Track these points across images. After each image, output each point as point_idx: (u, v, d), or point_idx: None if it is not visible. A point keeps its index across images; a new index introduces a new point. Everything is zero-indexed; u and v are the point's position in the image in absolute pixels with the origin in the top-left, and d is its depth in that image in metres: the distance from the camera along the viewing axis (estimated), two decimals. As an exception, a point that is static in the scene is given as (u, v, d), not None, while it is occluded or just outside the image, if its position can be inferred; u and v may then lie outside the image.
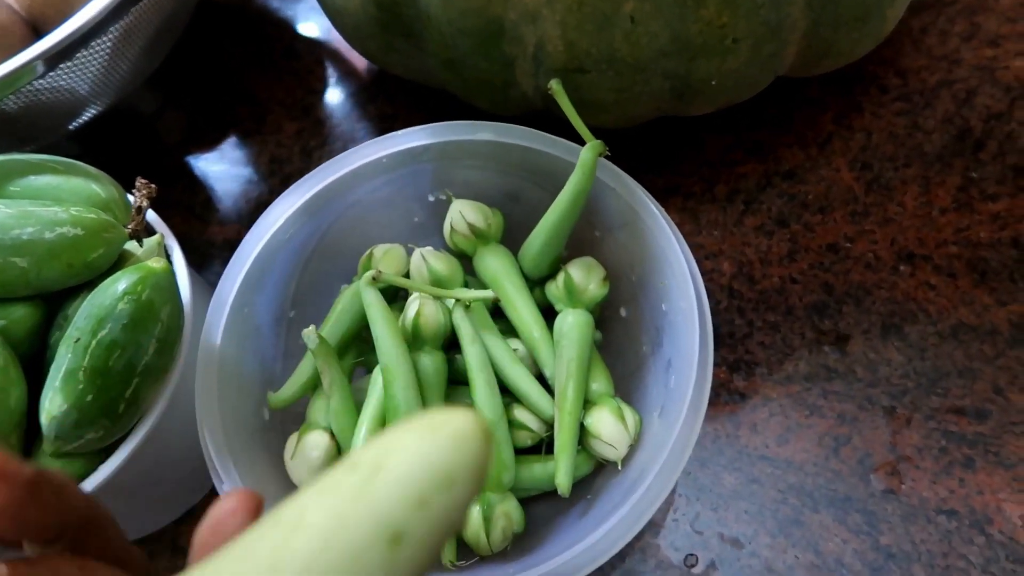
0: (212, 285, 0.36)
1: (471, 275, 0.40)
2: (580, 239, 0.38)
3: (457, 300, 0.36)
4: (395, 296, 0.40)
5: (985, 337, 0.40)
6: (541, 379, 0.36)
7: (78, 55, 0.39)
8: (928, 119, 0.47)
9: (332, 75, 0.56)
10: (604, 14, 0.35)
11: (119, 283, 0.31)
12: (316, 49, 0.58)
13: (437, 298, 0.36)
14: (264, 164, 0.53)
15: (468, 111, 0.44)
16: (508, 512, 0.34)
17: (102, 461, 0.32)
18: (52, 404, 0.30)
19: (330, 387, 0.35)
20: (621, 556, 0.38)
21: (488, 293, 0.36)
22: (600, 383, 0.36)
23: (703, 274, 0.35)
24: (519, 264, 0.38)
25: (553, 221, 0.36)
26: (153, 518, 0.41)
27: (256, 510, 0.16)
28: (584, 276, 0.37)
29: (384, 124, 0.53)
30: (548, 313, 0.38)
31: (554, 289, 0.38)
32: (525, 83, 0.40)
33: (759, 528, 0.38)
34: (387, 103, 0.54)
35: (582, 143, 0.34)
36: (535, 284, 0.39)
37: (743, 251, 0.45)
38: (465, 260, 0.39)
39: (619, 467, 0.34)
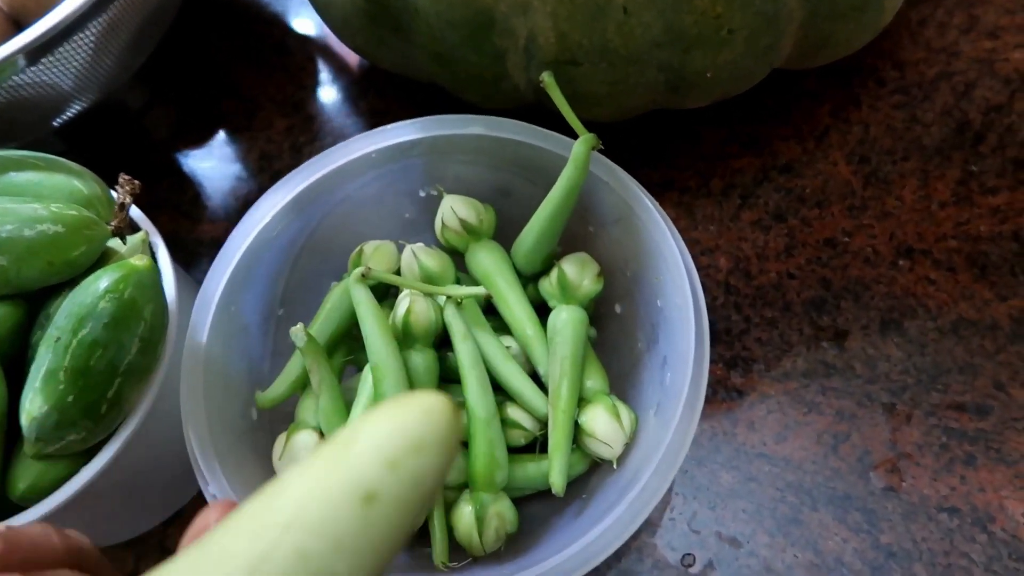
0: (200, 284, 0.35)
1: (463, 272, 0.39)
2: (573, 234, 0.38)
3: (449, 297, 0.35)
4: (386, 293, 0.39)
5: (986, 332, 0.40)
6: (535, 377, 0.36)
7: (60, 49, 0.38)
8: (927, 112, 0.47)
9: (323, 71, 0.56)
10: (596, 4, 0.34)
11: (101, 281, 0.31)
12: (306, 45, 0.57)
13: (428, 295, 0.35)
14: (253, 161, 0.52)
15: (459, 106, 0.43)
16: (501, 512, 0.33)
17: (85, 463, 0.32)
18: (32, 405, 0.30)
19: (319, 386, 0.34)
20: (617, 556, 0.37)
21: (480, 290, 0.35)
22: (595, 380, 0.35)
23: (699, 270, 0.35)
24: (512, 260, 0.38)
25: (546, 216, 0.35)
26: (140, 521, 0.40)
27: None
28: (578, 272, 0.36)
29: (375, 120, 0.53)
30: (541, 310, 0.37)
31: (547, 285, 0.37)
32: (516, 76, 0.39)
33: (757, 527, 0.37)
34: (378, 99, 0.53)
35: (575, 137, 0.34)
36: (528, 280, 0.38)
37: (739, 246, 0.44)
38: (457, 256, 0.39)
39: (614, 466, 0.33)
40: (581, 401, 0.35)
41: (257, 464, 0.34)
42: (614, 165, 0.35)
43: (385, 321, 0.34)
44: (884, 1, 0.39)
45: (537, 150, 0.36)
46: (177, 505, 0.41)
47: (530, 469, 0.34)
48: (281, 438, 0.34)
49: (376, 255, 0.38)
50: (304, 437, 0.34)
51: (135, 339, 0.31)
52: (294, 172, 0.37)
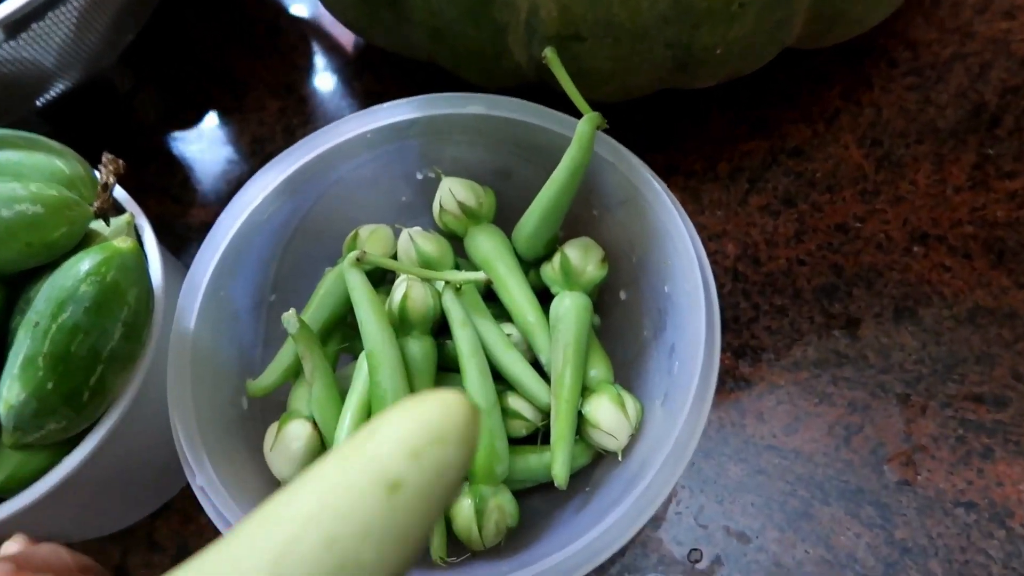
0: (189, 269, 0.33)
1: (462, 257, 0.38)
2: (577, 218, 0.36)
3: (447, 283, 0.34)
4: (381, 279, 0.38)
5: (1003, 321, 0.38)
6: (536, 365, 0.34)
7: (41, 23, 0.37)
8: (941, 94, 0.45)
9: (316, 51, 0.54)
10: (603, -24, 0.32)
11: (82, 263, 0.29)
12: (299, 24, 0.55)
13: (426, 280, 0.34)
14: (245, 144, 0.51)
15: (458, 86, 0.41)
16: (502, 505, 0.32)
17: (67, 453, 0.30)
18: (10, 393, 0.28)
19: (312, 374, 0.33)
20: (621, 551, 0.36)
21: (480, 275, 0.34)
22: (599, 369, 0.34)
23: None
24: (512, 245, 0.36)
25: (548, 199, 0.34)
26: (127, 513, 0.39)
27: None
28: (581, 257, 0.35)
29: (371, 101, 0.51)
30: (543, 296, 0.36)
31: (550, 271, 0.35)
32: (518, 52, 0.38)
33: (767, 522, 0.36)
34: (374, 80, 0.52)
35: (578, 116, 0.32)
36: (529, 266, 0.37)
37: (748, 232, 0.43)
38: (455, 241, 0.37)
39: (619, 458, 0.32)
40: (585, 390, 0.33)
41: (247, 455, 0.33)
42: (619, 145, 0.33)
43: (381, 307, 0.32)
44: (900, -24, 0.37)
45: (539, 130, 0.34)
46: (165, 497, 0.39)
47: (531, 461, 0.33)
48: (273, 428, 0.33)
49: (372, 239, 0.36)
50: (296, 427, 0.33)
51: (118, 324, 0.29)
52: (286, 152, 0.35)
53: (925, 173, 0.43)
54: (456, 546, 0.32)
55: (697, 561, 0.35)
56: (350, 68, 0.53)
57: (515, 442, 0.34)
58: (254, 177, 0.35)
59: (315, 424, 0.33)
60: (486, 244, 0.36)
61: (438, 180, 0.37)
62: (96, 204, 0.33)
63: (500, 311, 0.36)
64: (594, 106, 0.32)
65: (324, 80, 0.53)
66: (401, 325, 0.33)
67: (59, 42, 0.39)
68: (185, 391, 0.31)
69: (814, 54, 0.47)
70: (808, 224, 0.43)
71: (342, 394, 0.34)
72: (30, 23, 0.36)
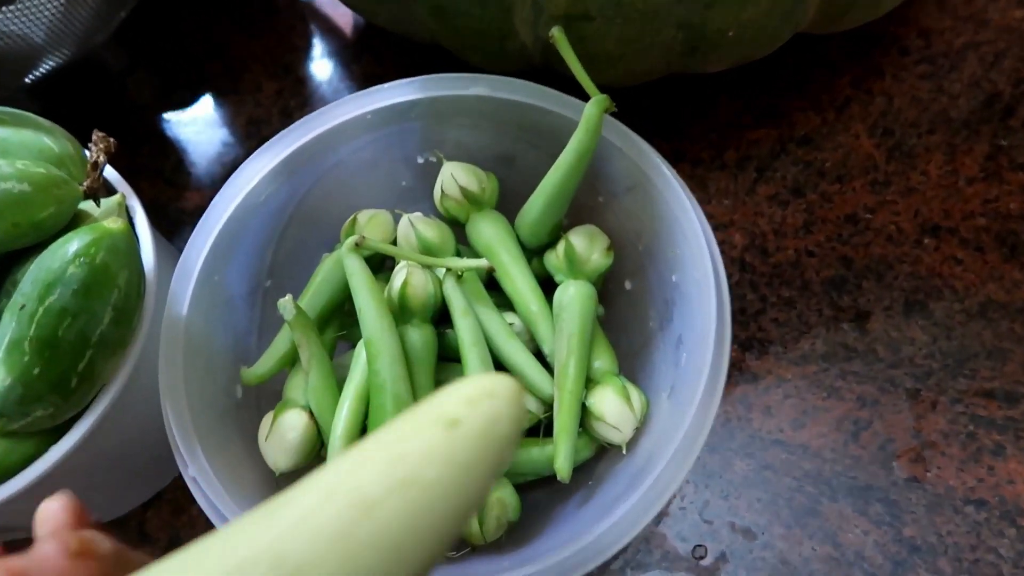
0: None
1: (463, 244, 0.37)
2: (582, 205, 0.35)
3: (448, 270, 0.33)
4: (381, 266, 0.37)
5: (1016, 315, 0.38)
6: (539, 356, 0.34)
7: (30, -4, 0.35)
8: (953, 83, 0.44)
9: (315, 31, 0.53)
10: (613, -47, 0.31)
11: (70, 244, 0.28)
12: (297, 4, 0.54)
13: (426, 267, 0.33)
14: (241, 126, 0.49)
15: (460, 69, 0.40)
16: (502, 499, 0.31)
17: (54, 441, 0.29)
18: (-6, 378, 0.27)
19: (309, 362, 0.32)
20: (624, 546, 0.35)
21: (482, 262, 0.33)
22: (603, 360, 0.33)
23: (714, 246, 0.32)
24: (516, 232, 0.36)
25: (553, 184, 0.33)
26: (118, 502, 0.38)
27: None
28: (586, 245, 0.34)
29: (370, 84, 0.49)
30: (547, 285, 0.35)
31: (554, 259, 0.35)
32: (524, 33, 0.37)
33: (773, 518, 0.35)
34: (374, 62, 0.51)
35: (585, 99, 0.31)
36: (533, 253, 0.36)
37: (756, 222, 0.42)
38: (457, 227, 0.36)
39: (624, 451, 0.32)
40: (588, 382, 0.33)
41: (241, 445, 0.32)
42: (628, 129, 0.32)
43: (380, 294, 0.32)
44: (918, -40, 0.36)
45: (544, 113, 0.33)
46: (157, 487, 0.38)
47: (534, 453, 0.32)
48: (268, 417, 0.32)
49: (371, 225, 0.35)
50: (292, 416, 0.32)
51: (108, 308, 0.28)
52: (283, 133, 0.34)
53: (937, 164, 0.42)
54: (458, 541, 0.31)
55: (702, 558, 0.35)
56: (349, 50, 0.52)
57: (517, 434, 0.33)
58: (250, 159, 0.34)
59: (311, 414, 0.32)
60: (488, 231, 0.35)
61: (439, 164, 0.36)
62: (86, 183, 0.32)
63: (502, 300, 0.35)
64: (599, 90, 0.31)
65: (322, 62, 0.51)
66: (401, 313, 0.32)
67: (49, 16, 0.38)
68: (177, 379, 0.30)
69: (825, 41, 0.46)
70: (817, 215, 0.42)
71: (339, 383, 0.33)
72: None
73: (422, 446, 0.14)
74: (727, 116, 0.45)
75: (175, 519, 0.38)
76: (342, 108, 0.34)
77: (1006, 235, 0.40)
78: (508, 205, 0.36)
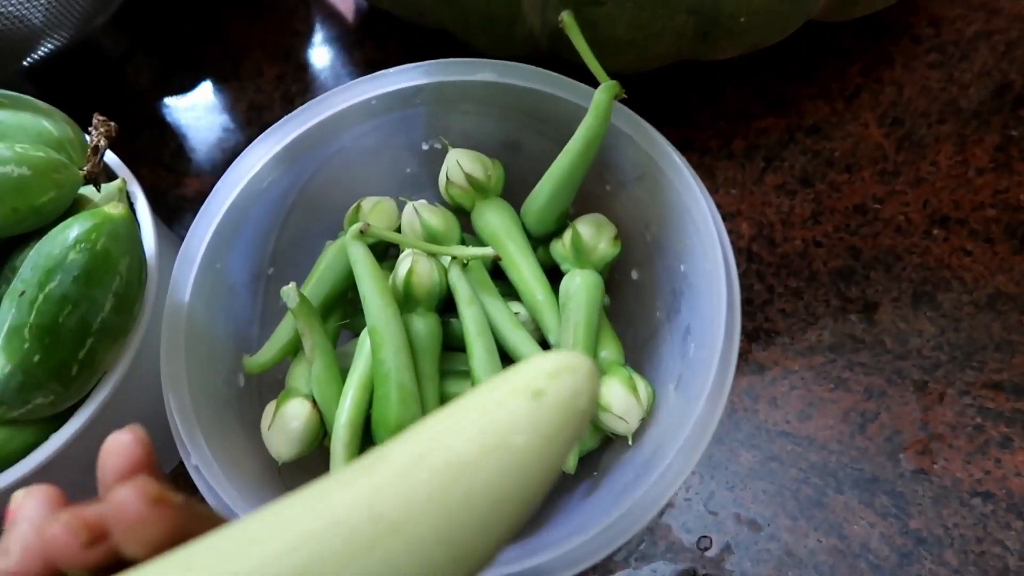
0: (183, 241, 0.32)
1: (468, 232, 0.36)
2: (589, 194, 0.35)
3: (453, 258, 0.32)
4: (385, 254, 0.36)
5: (1025, 307, 0.37)
6: (545, 345, 0.33)
7: (28, -24, 0.35)
8: (964, 72, 0.44)
9: (316, 16, 0.52)
10: (624, -64, 0.31)
11: (71, 230, 0.28)
12: (300, -12, 0.53)
13: (431, 255, 0.32)
14: (241, 111, 0.49)
15: (466, 54, 0.40)
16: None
17: (55, 430, 0.29)
18: (-7, 366, 0.27)
19: (312, 351, 0.31)
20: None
21: (487, 251, 0.32)
22: (609, 351, 0.33)
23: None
24: (522, 220, 0.35)
25: (561, 171, 0.32)
26: (118, 492, 0.37)
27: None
28: (593, 234, 0.33)
29: (373, 69, 0.48)
30: (553, 274, 0.34)
31: (560, 248, 0.34)
32: (531, 18, 0.36)
33: (778, 510, 0.35)
34: (376, 47, 0.50)
35: (594, 85, 0.31)
36: (539, 242, 0.36)
37: (763, 212, 0.42)
38: (462, 215, 0.36)
39: (630, 442, 0.31)
40: (595, 372, 0.32)
41: (243, 434, 0.32)
42: (638, 116, 0.32)
43: (384, 282, 0.31)
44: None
45: (552, 99, 0.33)
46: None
47: (539, 444, 0.32)
48: (270, 406, 0.32)
49: (375, 212, 0.35)
50: (295, 406, 0.31)
51: (109, 295, 0.28)
52: (286, 119, 0.34)
53: (947, 154, 0.42)
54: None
55: (706, 549, 0.35)
56: (351, 35, 0.51)
57: (522, 424, 0.33)
58: (253, 144, 0.33)
59: (315, 403, 0.32)
60: (494, 219, 0.34)
61: (445, 151, 0.35)
62: (86, 168, 0.31)
63: (508, 289, 0.35)
64: (608, 77, 0.30)
65: (324, 47, 0.51)
66: (405, 301, 0.32)
67: (47, -2, 0.37)
68: (179, 367, 0.29)
69: (835, 29, 0.45)
70: (825, 205, 0.41)
71: (343, 372, 0.32)
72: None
73: (510, 414, 0.14)
74: (736, 104, 0.45)
75: (176, 508, 0.38)
76: (346, 93, 0.34)
77: (1016, 226, 0.39)
78: (514, 193, 0.35)
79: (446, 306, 0.33)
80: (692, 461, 0.27)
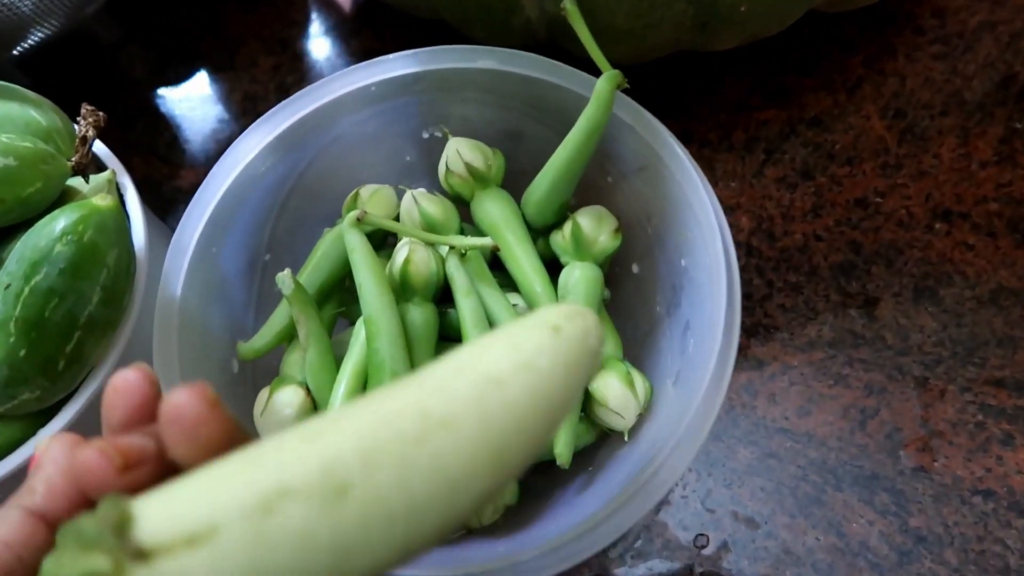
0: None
1: (467, 222, 0.36)
2: (590, 185, 0.34)
3: (451, 248, 0.32)
4: (382, 243, 0.36)
5: (1028, 303, 0.37)
6: (543, 340, 0.33)
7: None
8: (968, 64, 0.43)
9: (312, 6, 0.51)
10: (624, -78, 0.30)
11: (57, 222, 0.27)
12: (295, -24, 0.53)
13: (429, 245, 0.32)
14: (236, 102, 0.48)
15: (463, 44, 0.39)
16: (501, 483, 0.30)
17: (42, 425, 0.29)
18: (-21, 359, 0.26)
19: (307, 338, 0.31)
20: (624, 534, 0.34)
21: (486, 241, 0.32)
22: (608, 345, 0.33)
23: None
24: (521, 211, 0.35)
25: (562, 162, 0.32)
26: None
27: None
28: (594, 226, 0.33)
29: (369, 59, 0.49)
30: (552, 266, 0.34)
31: (560, 240, 0.34)
32: (529, 7, 0.35)
33: (776, 507, 0.34)
34: (373, 37, 0.49)
35: (596, 75, 0.30)
36: (539, 234, 0.35)
37: (763, 205, 0.41)
38: (461, 205, 0.35)
39: (626, 438, 0.31)
40: (593, 367, 0.32)
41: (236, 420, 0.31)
42: (640, 107, 0.31)
43: (381, 270, 0.31)
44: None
45: (554, 88, 0.32)
46: (150, 470, 0.38)
47: (535, 439, 0.32)
48: (264, 393, 0.31)
49: (373, 200, 0.34)
50: (288, 393, 0.31)
51: (96, 288, 0.27)
52: (283, 104, 0.33)
53: (950, 147, 0.41)
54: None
55: (704, 547, 0.34)
56: (348, 25, 0.50)
57: (518, 419, 0.32)
58: (250, 128, 0.32)
59: (308, 390, 0.31)
60: (493, 209, 0.34)
61: (445, 140, 0.35)
62: (74, 159, 0.31)
63: (506, 280, 0.34)
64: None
65: (320, 37, 0.50)
66: (402, 290, 0.31)
67: (36, -16, 0.36)
68: (171, 356, 0.29)
69: (837, 19, 0.45)
70: (826, 198, 0.41)
71: (338, 360, 0.32)
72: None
73: (534, 342, 0.16)
74: (736, 96, 0.44)
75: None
76: (346, 79, 0.33)
77: (1019, 220, 0.39)
78: (514, 183, 0.35)
79: (443, 296, 0.33)
80: (688, 457, 0.27)
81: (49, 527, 0.15)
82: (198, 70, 0.50)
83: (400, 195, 0.35)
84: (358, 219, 0.30)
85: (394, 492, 0.13)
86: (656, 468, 0.26)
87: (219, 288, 0.32)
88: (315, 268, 0.33)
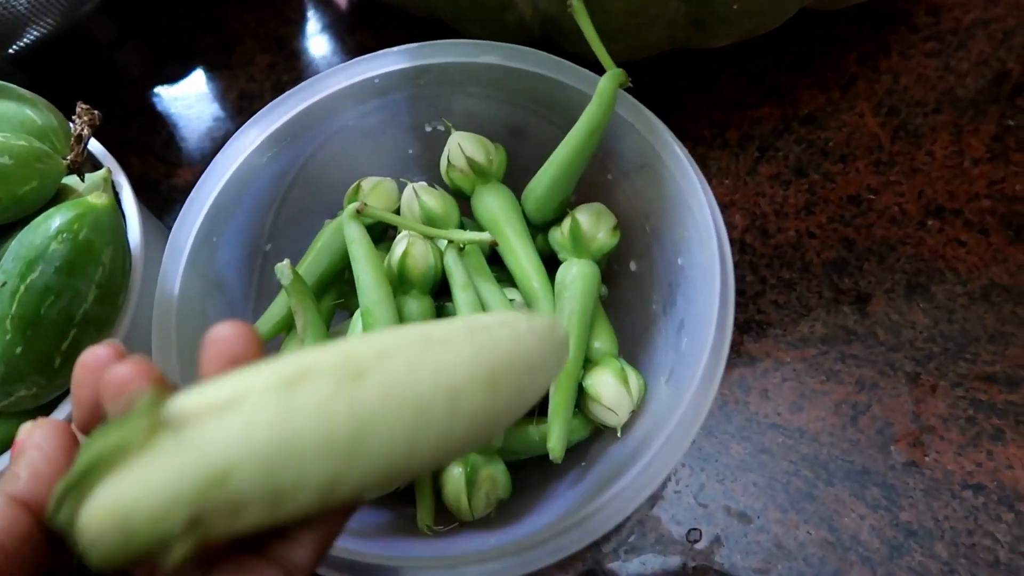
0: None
1: (468, 216, 0.36)
2: (590, 182, 0.34)
3: (450, 242, 0.32)
4: (383, 236, 0.36)
5: (1019, 298, 0.37)
6: (538, 336, 0.33)
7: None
8: (961, 61, 0.43)
9: (309, 4, 0.51)
10: (616, -79, 0.30)
11: (53, 220, 0.27)
12: (291, -26, 0.53)
13: (428, 238, 0.32)
14: (233, 100, 0.48)
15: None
16: (493, 476, 0.31)
17: (39, 422, 0.29)
18: (-24, 357, 0.26)
19: (304, 329, 0.31)
20: (617, 529, 0.35)
21: (485, 236, 0.32)
22: (603, 341, 0.33)
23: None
24: (521, 206, 0.35)
25: (563, 158, 0.32)
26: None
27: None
28: (593, 223, 0.33)
29: (366, 57, 0.49)
30: (550, 262, 0.34)
31: (559, 236, 0.34)
32: (522, 5, 0.36)
33: (769, 502, 0.35)
34: (369, 35, 0.49)
35: (599, 72, 0.30)
36: (538, 230, 0.35)
37: (757, 202, 0.41)
38: (462, 199, 0.36)
39: (619, 434, 0.31)
40: (587, 363, 0.32)
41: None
42: (641, 106, 0.31)
43: (380, 263, 0.31)
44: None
45: (557, 85, 0.32)
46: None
47: (528, 432, 0.32)
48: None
49: (374, 192, 0.35)
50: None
51: (92, 286, 0.28)
52: (286, 95, 0.33)
53: (943, 144, 0.41)
54: (444, 515, 0.31)
55: (696, 541, 0.34)
56: (344, 23, 0.50)
57: (512, 414, 0.32)
58: (253, 119, 0.33)
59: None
60: (494, 204, 0.34)
61: (447, 134, 0.35)
62: (69, 157, 0.31)
63: (504, 275, 0.34)
64: (597, 66, 0.30)
65: (317, 35, 0.50)
66: (400, 283, 0.32)
67: (31, -17, 0.37)
68: (169, 347, 0.29)
69: (831, 17, 0.45)
70: (819, 195, 0.41)
71: (334, 353, 0.32)
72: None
73: (512, 315, 0.19)
74: (730, 93, 0.44)
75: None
76: (350, 71, 0.33)
77: (1011, 217, 0.39)
78: (516, 178, 0.35)
79: (441, 290, 0.33)
80: (679, 452, 0.27)
81: (33, 515, 0.15)
82: (194, 68, 0.50)
83: (401, 188, 0.35)
84: (358, 211, 0.30)
85: (404, 382, 0.15)
86: (647, 462, 0.27)
87: (219, 277, 0.33)
88: (315, 259, 0.33)
